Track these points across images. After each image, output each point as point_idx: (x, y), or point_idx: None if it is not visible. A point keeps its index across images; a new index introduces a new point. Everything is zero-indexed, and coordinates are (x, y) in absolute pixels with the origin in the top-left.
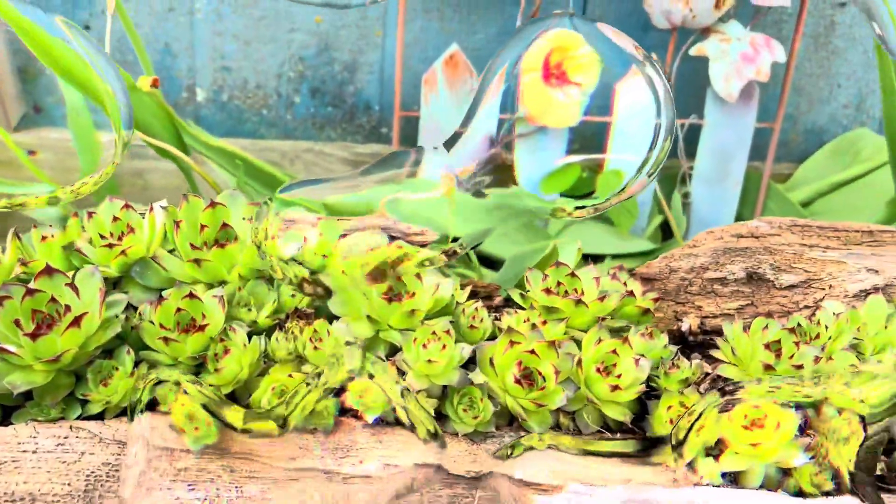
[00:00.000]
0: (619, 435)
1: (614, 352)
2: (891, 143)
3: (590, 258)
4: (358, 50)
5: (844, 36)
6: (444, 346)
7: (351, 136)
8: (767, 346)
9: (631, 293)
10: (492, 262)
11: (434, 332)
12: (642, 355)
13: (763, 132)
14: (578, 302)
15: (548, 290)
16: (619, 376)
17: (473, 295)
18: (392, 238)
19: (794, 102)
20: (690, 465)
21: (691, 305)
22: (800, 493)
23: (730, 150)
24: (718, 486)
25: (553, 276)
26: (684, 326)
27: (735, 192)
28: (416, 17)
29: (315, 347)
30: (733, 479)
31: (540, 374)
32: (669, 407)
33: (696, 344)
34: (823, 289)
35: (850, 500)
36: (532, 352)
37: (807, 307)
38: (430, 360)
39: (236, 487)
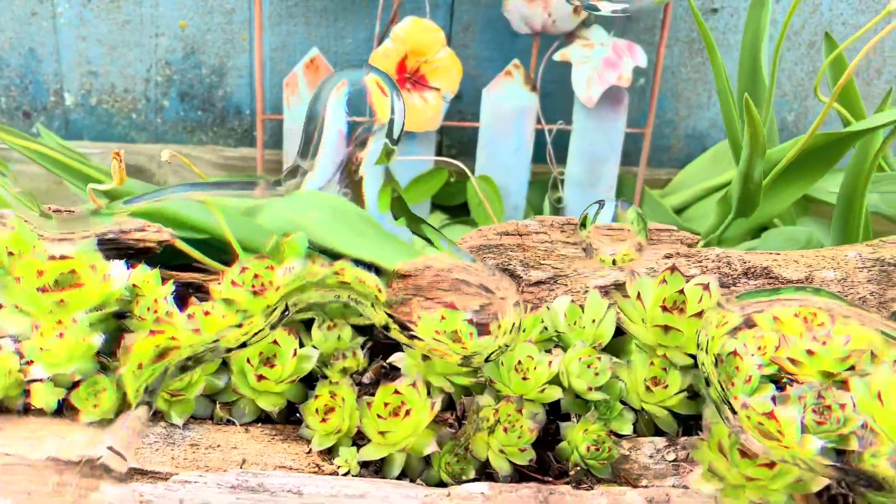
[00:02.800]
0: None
1: (275, 342)
2: (733, 146)
3: None
4: (225, 54)
5: (718, 42)
6: None
7: (223, 139)
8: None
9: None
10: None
11: None
12: (313, 346)
13: (641, 138)
14: (256, 293)
15: (233, 282)
16: (272, 367)
17: None
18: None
19: (674, 108)
20: (329, 452)
21: (439, 301)
22: (440, 483)
23: (600, 154)
24: (357, 475)
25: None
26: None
27: (609, 197)
28: (281, 22)
29: None
30: (378, 469)
31: None
32: (317, 396)
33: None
34: (566, 284)
35: (482, 486)
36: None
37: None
38: None
39: None
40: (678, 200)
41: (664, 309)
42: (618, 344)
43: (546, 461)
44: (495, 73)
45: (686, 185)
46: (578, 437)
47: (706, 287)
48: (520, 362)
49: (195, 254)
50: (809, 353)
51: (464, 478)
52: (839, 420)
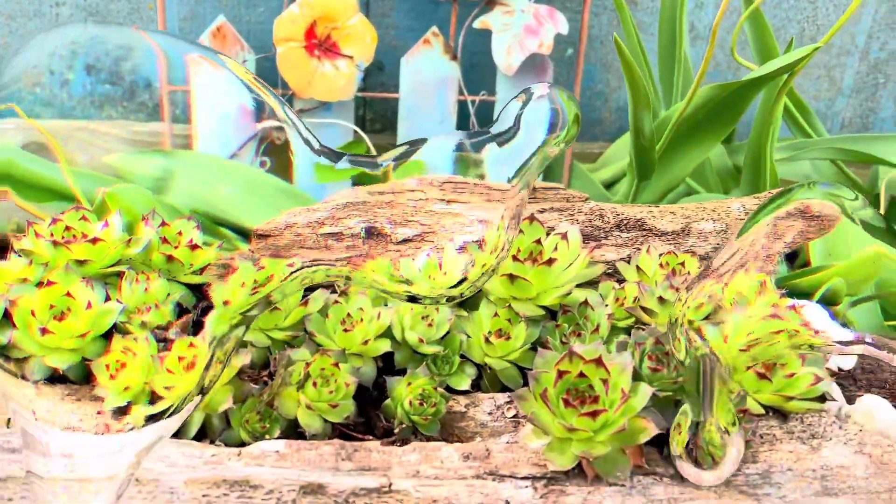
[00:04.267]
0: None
1: (69, 294)
2: (634, 136)
3: None
4: (131, 24)
5: (647, 10)
6: None
7: (134, 114)
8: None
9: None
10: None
11: None
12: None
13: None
14: (57, 245)
15: (37, 234)
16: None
17: None
18: None
19: (604, 79)
20: (121, 411)
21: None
22: (242, 444)
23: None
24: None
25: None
26: None
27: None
28: None
29: None
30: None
31: None
32: (109, 352)
33: None
34: (432, 241)
35: (278, 443)
36: None
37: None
38: None
39: None
40: (609, 174)
41: (515, 259)
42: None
43: (374, 420)
44: (416, 43)
45: (617, 158)
46: (402, 392)
47: (564, 236)
48: (349, 315)
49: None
50: (661, 301)
51: (267, 437)
52: (677, 367)
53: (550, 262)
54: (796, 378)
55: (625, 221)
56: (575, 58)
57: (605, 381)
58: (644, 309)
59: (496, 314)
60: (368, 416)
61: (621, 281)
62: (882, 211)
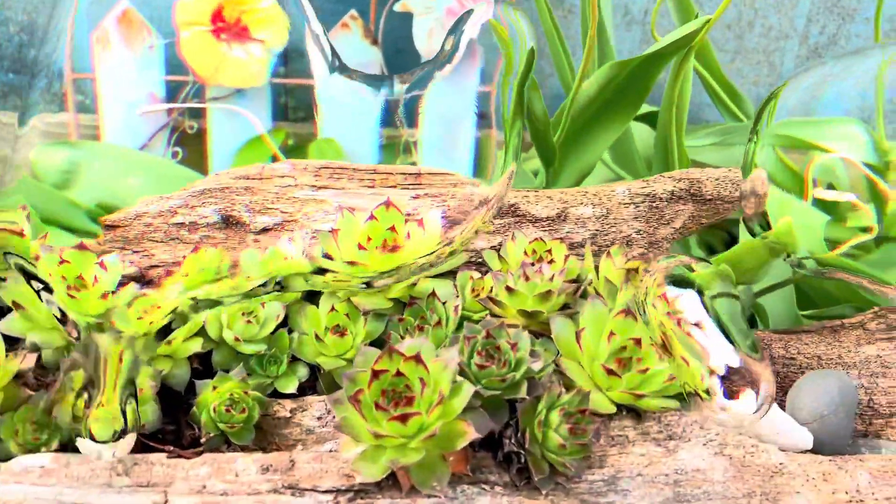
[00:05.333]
0: None
1: None
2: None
3: None
4: (34, 9)
5: None
6: None
7: (46, 104)
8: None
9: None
10: None
11: None
12: None
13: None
14: None
15: None
16: None
17: None
18: None
19: (538, 65)
20: None
21: (144, 254)
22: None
23: (454, 114)
24: None
25: None
26: None
27: (467, 161)
28: None
29: None
30: None
31: None
32: None
33: None
34: (293, 230)
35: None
36: None
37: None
38: None
39: None
40: (539, 164)
41: (359, 247)
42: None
43: (185, 429)
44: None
45: None
46: (208, 397)
47: (420, 223)
48: (146, 311)
49: None
50: (509, 290)
51: (44, 449)
52: (507, 363)
53: (394, 249)
54: (652, 374)
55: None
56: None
57: (423, 381)
58: (492, 300)
59: (333, 308)
60: (179, 425)
61: (488, 271)
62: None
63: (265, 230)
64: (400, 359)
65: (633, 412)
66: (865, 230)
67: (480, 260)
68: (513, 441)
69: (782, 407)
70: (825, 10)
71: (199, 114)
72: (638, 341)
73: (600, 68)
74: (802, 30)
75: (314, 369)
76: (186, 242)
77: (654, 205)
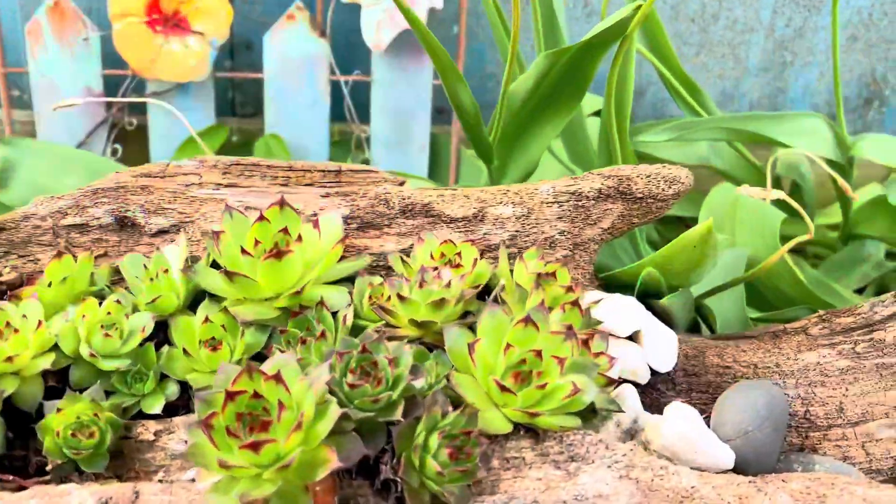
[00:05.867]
0: None
1: None
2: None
3: None
4: None
5: None
6: None
7: None
8: None
9: None
10: None
11: None
12: None
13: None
14: None
15: None
16: None
17: None
18: None
19: (495, 59)
20: None
21: (30, 259)
22: None
23: (407, 109)
24: None
25: None
26: None
27: (422, 158)
28: None
29: None
30: None
31: None
32: None
33: None
34: (187, 232)
35: None
36: None
37: None
38: None
39: None
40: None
41: (243, 252)
42: None
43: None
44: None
45: None
46: (53, 421)
47: (316, 224)
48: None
49: None
50: (400, 298)
51: None
52: (384, 381)
53: (280, 255)
54: (551, 389)
55: (411, 206)
56: (474, 37)
57: (281, 403)
58: (383, 309)
59: (207, 319)
60: (29, 450)
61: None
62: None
63: (161, 232)
64: (260, 378)
65: (533, 431)
66: (830, 227)
67: (386, 264)
68: (389, 468)
69: (708, 423)
70: (791, 2)
71: (141, 110)
72: (539, 353)
73: (536, 60)
74: (768, 22)
75: (188, 387)
76: (79, 245)
77: (580, 204)
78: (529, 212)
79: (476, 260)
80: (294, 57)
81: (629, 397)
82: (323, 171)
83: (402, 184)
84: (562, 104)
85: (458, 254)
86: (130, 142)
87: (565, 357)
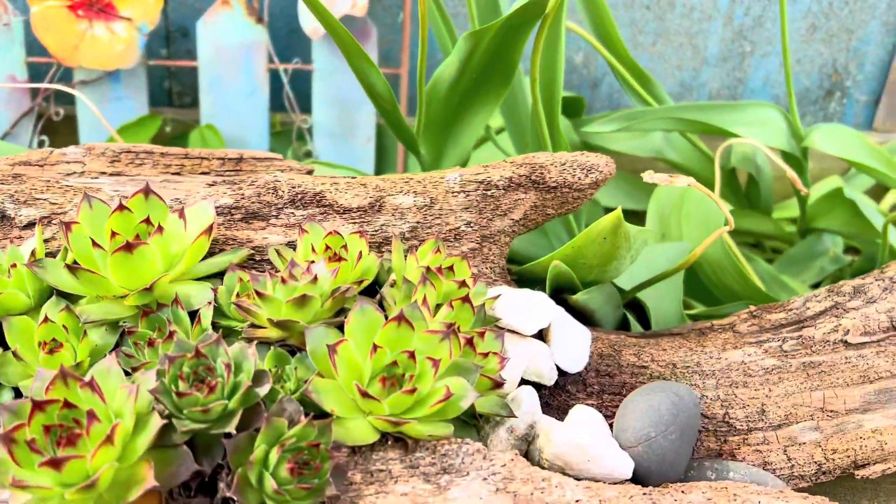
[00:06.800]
0: None
1: None
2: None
3: None
4: None
5: None
6: None
7: None
8: None
9: None
10: None
11: None
12: None
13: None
14: None
15: None
16: None
17: None
18: None
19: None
20: None
21: None
22: None
23: (351, 99)
24: None
25: None
26: None
27: (368, 149)
28: None
29: None
30: None
31: None
32: None
33: None
34: (55, 224)
35: None
36: None
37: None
38: None
39: None
40: None
41: (94, 244)
42: None
43: None
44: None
45: None
46: None
47: (181, 214)
48: None
49: None
50: (259, 295)
51: None
52: (218, 389)
53: (130, 248)
54: (422, 395)
55: (301, 195)
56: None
57: (92, 414)
58: (242, 307)
59: (46, 319)
60: None
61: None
62: (742, 188)
63: (32, 224)
64: (76, 385)
65: (403, 442)
66: (792, 221)
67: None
68: (226, 485)
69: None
70: None
71: (70, 99)
72: (412, 355)
73: (458, 43)
74: (726, 11)
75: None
76: None
77: (489, 193)
78: (433, 202)
79: (361, 253)
80: (230, 44)
81: (525, 401)
82: (222, 158)
83: (309, 173)
84: (491, 90)
85: (345, 246)
86: (59, 132)
87: (440, 359)
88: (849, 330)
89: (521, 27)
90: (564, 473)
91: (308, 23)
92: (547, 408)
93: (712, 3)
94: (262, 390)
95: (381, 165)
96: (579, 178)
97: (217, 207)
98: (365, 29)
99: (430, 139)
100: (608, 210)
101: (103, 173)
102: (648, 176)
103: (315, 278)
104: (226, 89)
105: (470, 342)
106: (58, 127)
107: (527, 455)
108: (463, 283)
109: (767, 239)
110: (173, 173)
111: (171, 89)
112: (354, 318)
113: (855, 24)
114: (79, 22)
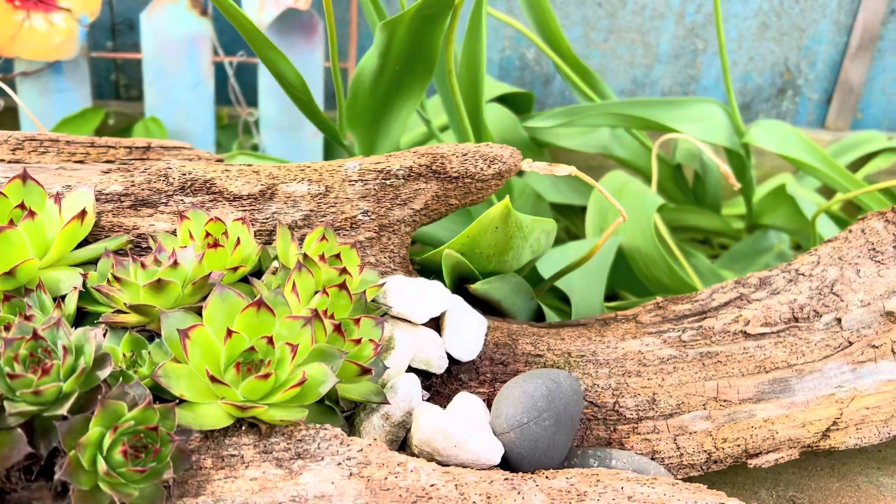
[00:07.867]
0: None
1: None
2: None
3: None
4: None
5: None
6: None
7: None
8: None
9: None
10: None
11: None
12: None
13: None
14: None
15: None
16: None
17: None
18: None
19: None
20: None
21: None
22: None
23: None
24: None
25: None
26: None
27: (316, 143)
28: None
29: None
30: None
31: None
32: None
33: None
34: None
35: None
36: None
37: None
38: None
39: None
40: (405, 145)
41: None
42: None
43: None
44: None
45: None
46: None
47: (57, 200)
48: None
49: None
50: (117, 280)
51: None
52: (53, 372)
53: None
54: (277, 381)
55: (191, 183)
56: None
57: None
58: (100, 291)
59: None
60: None
61: None
62: (689, 184)
63: None
64: None
65: (257, 427)
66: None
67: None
68: (62, 468)
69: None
70: None
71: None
72: (270, 340)
73: (375, 34)
74: (678, 8)
75: None
76: None
77: (387, 182)
78: (328, 190)
79: (240, 239)
80: (174, 37)
81: (402, 388)
82: (129, 147)
83: (219, 161)
84: (414, 81)
85: (225, 233)
86: (2, 124)
87: (297, 344)
88: (749, 321)
89: (434, 18)
90: (433, 459)
91: (252, 14)
92: (438, 396)
93: (664, 1)
94: (104, 373)
95: (329, 159)
96: (481, 169)
97: (106, 194)
98: (311, 22)
99: (360, 130)
100: (555, 206)
101: (2, 161)
102: (527, 164)
103: (175, 263)
104: (170, 82)
105: (338, 328)
106: (0, 118)
107: (404, 442)
108: (344, 271)
109: (715, 235)
110: (77, 161)
111: (118, 82)
112: (213, 302)
113: (806, 22)
114: (16, 12)
